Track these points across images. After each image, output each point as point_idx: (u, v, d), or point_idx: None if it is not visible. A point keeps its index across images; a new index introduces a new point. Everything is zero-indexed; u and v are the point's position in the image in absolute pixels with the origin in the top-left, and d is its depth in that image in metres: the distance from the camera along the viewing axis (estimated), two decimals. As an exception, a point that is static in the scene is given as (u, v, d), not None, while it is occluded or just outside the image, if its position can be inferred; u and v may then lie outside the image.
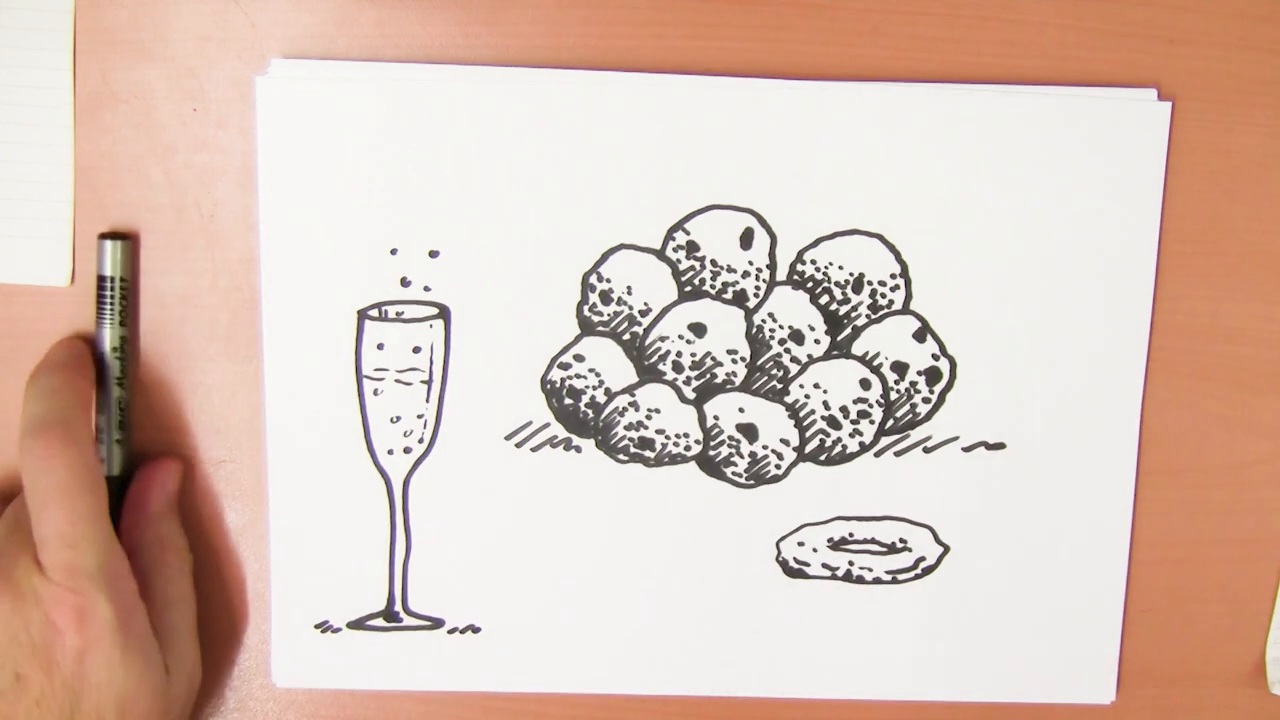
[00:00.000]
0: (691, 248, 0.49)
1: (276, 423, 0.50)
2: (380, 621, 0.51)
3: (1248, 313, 0.50)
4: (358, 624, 0.51)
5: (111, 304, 0.48)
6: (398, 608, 0.51)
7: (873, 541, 0.51)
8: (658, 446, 0.50)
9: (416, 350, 0.49)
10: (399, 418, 0.49)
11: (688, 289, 0.49)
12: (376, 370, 0.49)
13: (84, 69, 0.48)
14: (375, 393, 0.49)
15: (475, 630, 0.51)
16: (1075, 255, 0.49)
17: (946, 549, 0.51)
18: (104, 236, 0.48)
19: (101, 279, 0.48)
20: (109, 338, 0.48)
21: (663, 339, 0.50)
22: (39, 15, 0.48)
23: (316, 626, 0.51)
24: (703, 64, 0.48)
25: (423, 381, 0.49)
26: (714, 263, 0.49)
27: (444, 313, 0.49)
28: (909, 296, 0.50)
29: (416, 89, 0.48)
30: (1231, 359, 0.51)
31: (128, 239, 0.48)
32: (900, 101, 0.48)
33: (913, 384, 0.50)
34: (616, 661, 0.51)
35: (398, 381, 0.49)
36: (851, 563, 0.51)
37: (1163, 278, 0.50)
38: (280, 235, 0.48)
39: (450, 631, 0.51)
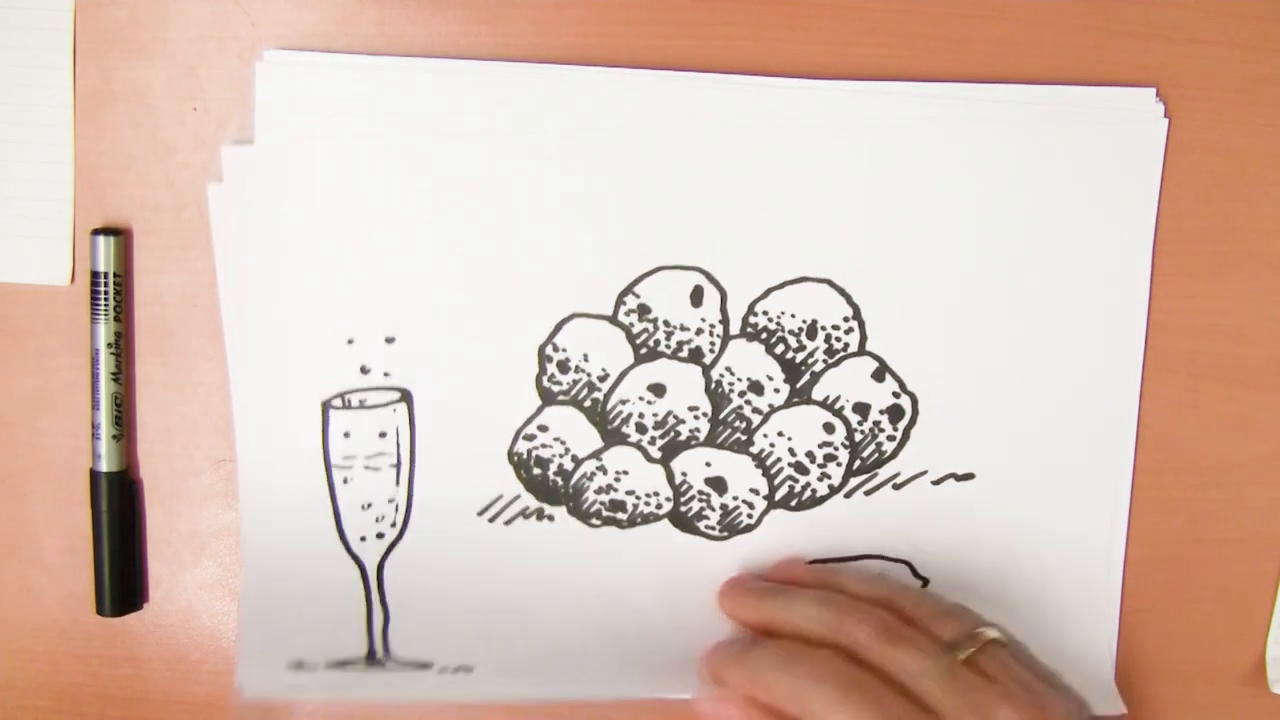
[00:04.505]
0: (643, 310, 0.49)
1: (250, 513, 0.49)
2: (361, 666, 0.50)
3: (1247, 312, 0.50)
4: (338, 665, 0.50)
5: (105, 299, 0.48)
6: (380, 656, 0.50)
7: None
8: (629, 507, 0.50)
9: (383, 435, 0.49)
10: (370, 504, 0.49)
11: (643, 351, 0.49)
12: (345, 458, 0.49)
13: (84, 69, 0.48)
14: (345, 481, 0.49)
15: (467, 670, 0.50)
16: (1070, 259, 0.49)
17: (926, 582, 0.51)
18: (97, 232, 0.48)
19: (95, 274, 0.48)
20: (103, 333, 0.48)
21: (624, 402, 0.50)
22: (39, 15, 0.48)
23: (292, 665, 0.49)
24: (698, 62, 0.48)
25: (391, 465, 0.49)
26: (666, 323, 0.49)
27: (406, 396, 0.49)
28: (864, 338, 0.50)
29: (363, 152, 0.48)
30: (1231, 359, 0.51)
31: (120, 234, 0.49)
32: (880, 102, 0.48)
33: (876, 423, 0.50)
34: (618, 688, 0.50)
35: (366, 468, 0.49)
36: None
37: (1162, 277, 0.50)
38: (245, 328, 0.49)
39: (440, 671, 0.50)
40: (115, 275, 0.48)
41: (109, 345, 0.49)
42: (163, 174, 0.49)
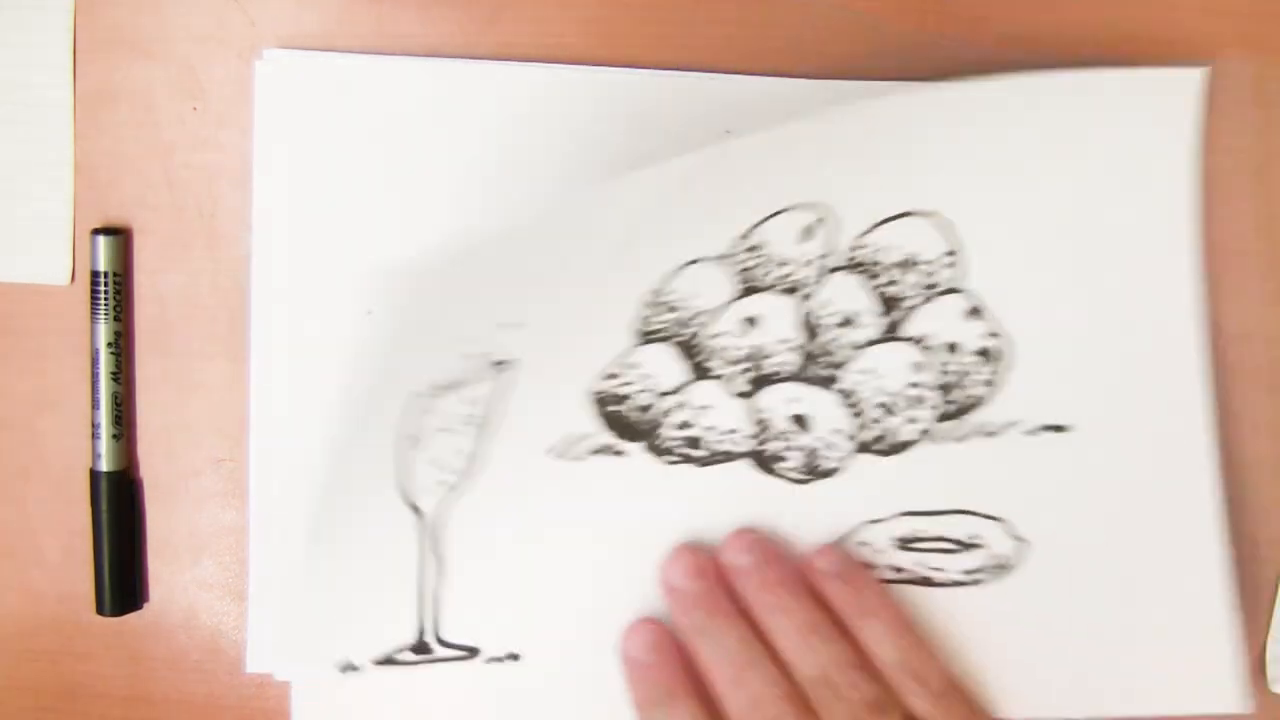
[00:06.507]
0: (754, 250, 0.48)
1: (266, 442, 0.49)
2: (409, 655, 0.48)
3: (1248, 312, 0.50)
4: (385, 661, 0.48)
5: (105, 299, 0.48)
6: (429, 638, 0.48)
7: (942, 539, 0.48)
8: (707, 445, 0.48)
9: None
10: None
11: (746, 287, 0.48)
12: None
13: (84, 69, 0.48)
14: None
15: (514, 658, 0.48)
16: (1122, 229, 0.48)
17: (1023, 543, 0.48)
18: (97, 232, 0.48)
19: (95, 274, 0.48)
20: (103, 333, 0.49)
21: (715, 336, 0.48)
22: (39, 15, 0.48)
23: (340, 668, 0.48)
24: (703, 62, 0.48)
25: None
26: (773, 259, 0.48)
27: None
28: (962, 276, 0.48)
29: (429, 84, 0.48)
30: (1232, 358, 0.50)
31: (120, 234, 0.49)
32: (950, 89, 0.47)
33: (967, 365, 0.48)
34: None
35: None
36: (921, 563, 0.48)
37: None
38: (276, 239, 0.48)
39: (488, 661, 0.48)
40: (115, 275, 0.48)
41: (109, 345, 0.49)
42: (163, 174, 0.49)
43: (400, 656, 0.48)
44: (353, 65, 0.48)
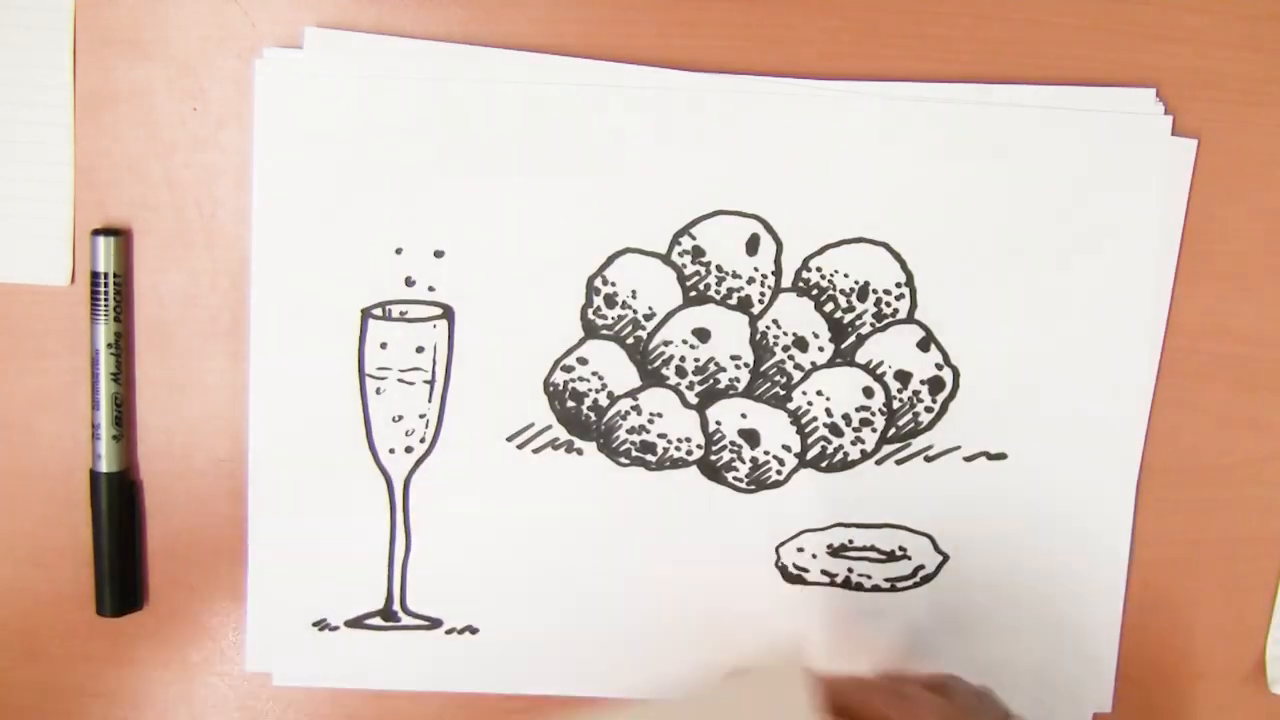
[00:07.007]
0: (697, 253, 0.49)
1: (266, 419, 0.49)
2: (378, 620, 0.51)
3: (1248, 312, 0.50)
4: (355, 623, 0.51)
5: (105, 300, 0.48)
6: (396, 607, 0.51)
7: (872, 549, 0.51)
8: (659, 450, 0.50)
9: (420, 350, 0.49)
10: (401, 417, 0.49)
11: (693, 294, 0.49)
12: (379, 369, 0.49)
13: (84, 69, 0.48)
14: (378, 391, 0.49)
15: (473, 631, 0.51)
16: (1079, 262, 0.49)
17: (946, 557, 0.51)
18: (97, 233, 0.48)
19: (95, 275, 0.48)
20: (103, 333, 0.49)
21: (666, 343, 0.50)
22: (39, 15, 0.48)
23: (315, 624, 0.51)
24: (702, 63, 0.48)
25: (425, 381, 0.49)
26: (719, 268, 0.49)
27: (448, 313, 0.49)
28: (913, 306, 0.50)
29: (421, 86, 0.48)
30: (1231, 358, 0.51)
31: (120, 234, 0.49)
32: (904, 102, 0.48)
33: (915, 393, 0.50)
34: (614, 664, 0.51)
35: (400, 381, 0.49)
36: (851, 569, 0.51)
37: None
38: (276, 229, 0.48)
39: (448, 632, 0.51)
40: (115, 275, 0.48)
41: (109, 345, 0.49)
42: (163, 174, 0.49)
43: (370, 622, 0.51)
44: (352, 64, 0.48)
